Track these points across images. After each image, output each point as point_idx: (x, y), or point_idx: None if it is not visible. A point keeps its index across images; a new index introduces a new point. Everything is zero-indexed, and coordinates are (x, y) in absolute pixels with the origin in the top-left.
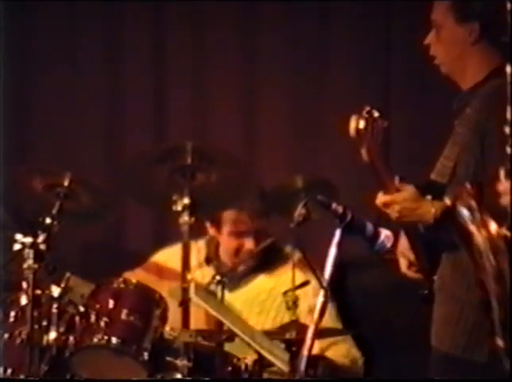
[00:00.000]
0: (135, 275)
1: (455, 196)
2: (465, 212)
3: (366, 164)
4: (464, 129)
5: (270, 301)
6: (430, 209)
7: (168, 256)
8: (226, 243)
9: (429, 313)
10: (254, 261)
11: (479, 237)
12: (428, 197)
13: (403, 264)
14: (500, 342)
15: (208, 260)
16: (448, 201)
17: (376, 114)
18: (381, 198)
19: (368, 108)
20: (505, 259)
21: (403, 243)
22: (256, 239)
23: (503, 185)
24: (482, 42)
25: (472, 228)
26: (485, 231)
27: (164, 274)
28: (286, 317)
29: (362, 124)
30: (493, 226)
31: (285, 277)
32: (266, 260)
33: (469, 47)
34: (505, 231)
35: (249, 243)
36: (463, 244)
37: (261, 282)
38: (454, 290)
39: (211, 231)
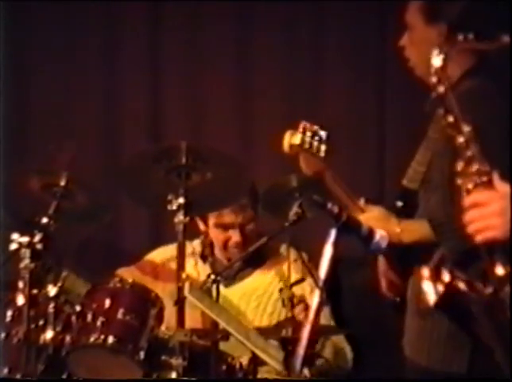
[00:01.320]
0: (129, 273)
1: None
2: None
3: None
4: (437, 133)
5: (267, 295)
6: (395, 229)
7: (163, 256)
8: (215, 236)
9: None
10: (247, 257)
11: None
12: (399, 204)
13: (384, 285)
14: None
15: (204, 257)
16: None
17: (314, 127)
18: None
19: (304, 122)
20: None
21: (382, 263)
22: (242, 232)
23: (469, 199)
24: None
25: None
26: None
27: (158, 274)
28: (283, 313)
29: (297, 139)
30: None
31: (281, 273)
32: (262, 256)
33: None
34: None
35: (235, 236)
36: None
37: (258, 277)
38: None
39: (201, 225)
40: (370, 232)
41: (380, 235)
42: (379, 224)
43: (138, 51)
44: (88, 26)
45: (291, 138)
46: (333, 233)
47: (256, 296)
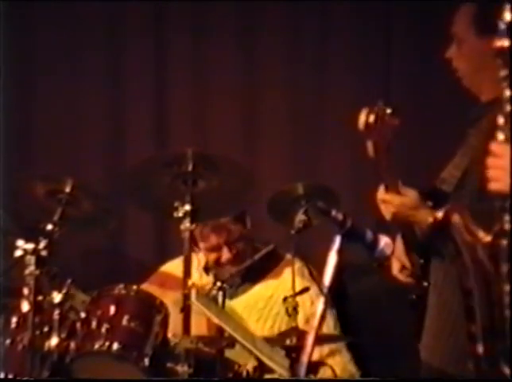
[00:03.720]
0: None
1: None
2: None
3: (371, 160)
4: (478, 141)
5: (268, 309)
6: (427, 218)
7: (172, 267)
8: (207, 257)
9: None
10: (250, 268)
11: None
12: (430, 204)
13: (395, 267)
14: (480, 349)
15: (207, 269)
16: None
17: (388, 110)
18: (382, 194)
19: (381, 103)
20: (496, 265)
21: (398, 247)
22: (230, 250)
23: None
24: None
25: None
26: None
27: (167, 284)
28: (284, 325)
29: (371, 118)
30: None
31: (283, 285)
32: (265, 268)
33: (489, 60)
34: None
35: (225, 255)
36: (455, 252)
37: (260, 290)
38: (446, 297)
39: (195, 248)
40: (375, 239)
41: (385, 242)
42: (410, 212)
43: (143, 59)
44: (93, 35)
45: (367, 117)
46: (337, 240)
47: (257, 309)
